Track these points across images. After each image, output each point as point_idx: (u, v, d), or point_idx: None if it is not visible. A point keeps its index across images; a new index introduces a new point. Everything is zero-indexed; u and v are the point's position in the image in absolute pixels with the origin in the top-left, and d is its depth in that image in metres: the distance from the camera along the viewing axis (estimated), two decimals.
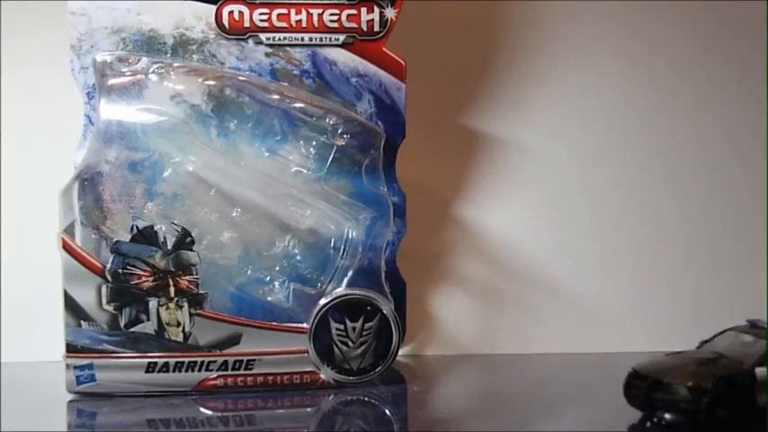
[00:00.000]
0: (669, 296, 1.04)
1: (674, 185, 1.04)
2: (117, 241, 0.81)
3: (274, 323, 0.83)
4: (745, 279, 1.04)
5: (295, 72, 0.85)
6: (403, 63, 0.86)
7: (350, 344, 0.84)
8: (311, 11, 0.84)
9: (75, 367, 0.81)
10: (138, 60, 0.83)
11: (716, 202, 1.04)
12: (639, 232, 1.04)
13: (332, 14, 0.84)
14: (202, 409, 0.79)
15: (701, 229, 1.04)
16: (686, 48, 1.03)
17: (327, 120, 0.85)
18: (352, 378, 0.84)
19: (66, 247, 0.81)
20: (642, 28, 1.03)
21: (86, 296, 0.81)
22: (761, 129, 1.04)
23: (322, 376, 0.83)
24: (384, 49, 0.85)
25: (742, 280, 1.04)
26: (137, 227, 0.82)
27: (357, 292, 0.84)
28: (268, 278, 0.84)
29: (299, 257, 0.84)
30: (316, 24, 0.84)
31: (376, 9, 0.85)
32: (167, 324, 0.82)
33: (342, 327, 0.84)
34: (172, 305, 0.82)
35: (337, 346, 0.84)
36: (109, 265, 0.81)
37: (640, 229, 1.04)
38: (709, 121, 1.04)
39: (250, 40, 0.84)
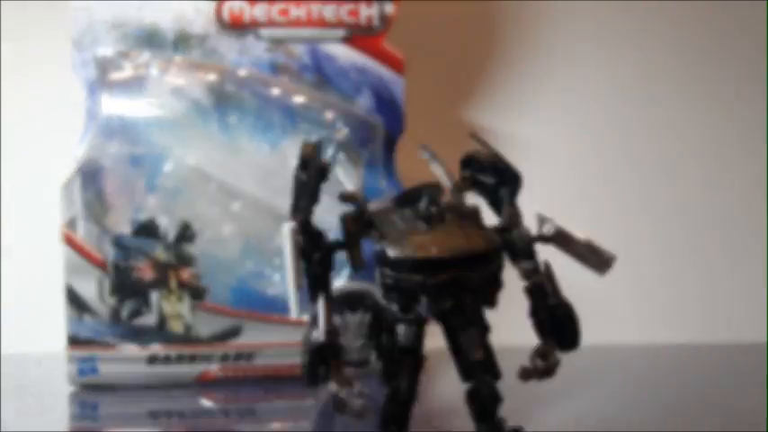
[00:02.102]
0: (667, 289, 1.04)
1: (673, 179, 1.04)
2: (118, 235, 0.82)
3: (274, 315, 0.84)
4: (745, 271, 1.05)
5: (295, 67, 0.86)
6: (402, 58, 0.86)
7: (349, 336, 0.84)
8: (311, 6, 0.85)
9: (78, 359, 0.82)
10: (140, 55, 0.84)
11: (715, 195, 1.05)
12: (638, 224, 1.04)
13: (331, 10, 0.85)
14: (203, 401, 0.80)
15: (700, 222, 1.05)
16: (686, 44, 1.04)
17: (327, 114, 0.86)
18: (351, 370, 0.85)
19: (68, 241, 0.82)
20: (641, 23, 1.03)
21: (88, 289, 0.82)
22: (760, 123, 1.05)
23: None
24: (383, 44, 0.86)
25: (741, 272, 1.05)
26: (138, 220, 0.82)
27: (356, 285, 0.85)
28: (268, 271, 0.85)
29: None
30: (315, 20, 0.85)
31: (375, 4, 0.85)
32: (169, 316, 0.83)
33: (341, 319, 0.84)
34: (173, 298, 0.83)
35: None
36: (110, 259, 0.82)
37: (639, 221, 1.04)
38: (709, 117, 1.04)
39: (250, 36, 0.85)
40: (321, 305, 0.55)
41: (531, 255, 0.61)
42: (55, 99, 0.95)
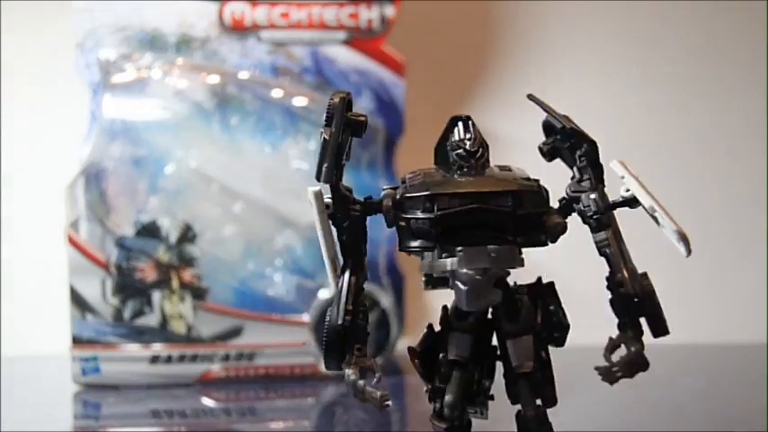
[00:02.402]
0: (665, 290, 1.04)
1: (671, 180, 1.04)
2: (121, 236, 0.83)
3: (275, 315, 0.85)
4: (742, 273, 1.05)
5: (296, 69, 0.86)
6: (401, 60, 0.87)
7: None
8: (312, 9, 0.85)
9: (81, 359, 0.82)
10: (142, 58, 0.84)
11: (713, 197, 1.05)
12: (636, 226, 1.04)
13: (332, 13, 0.85)
14: (205, 400, 0.80)
15: (698, 223, 1.04)
16: (683, 46, 1.04)
17: None
18: None
19: (72, 242, 0.82)
20: (640, 26, 1.03)
21: (91, 289, 0.82)
22: (758, 124, 1.05)
23: (322, 368, 0.84)
24: (383, 46, 0.87)
25: (739, 274, 1.05)
26: (140, 221, 0.83)
27: None
28: (269, 271, 0.85)
29: (299, 251, 0.85)
30: (316, 22, 0.85)
31: (375, 7, 0.86)
32: (171, 316, 0.83)
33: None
34: (175, 298, 0.83)
35: None
36: (113, 259, 0.82)
37: (637, 222, 1.04)
38: (712, 117, 1.04)
39: (252, 38, 0.86)
40: (344, 281, 0.48)
41: (602, 226, 0.54)
42: (58, 101, 0.95)
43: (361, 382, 0.47)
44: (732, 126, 1.05)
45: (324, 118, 0.50)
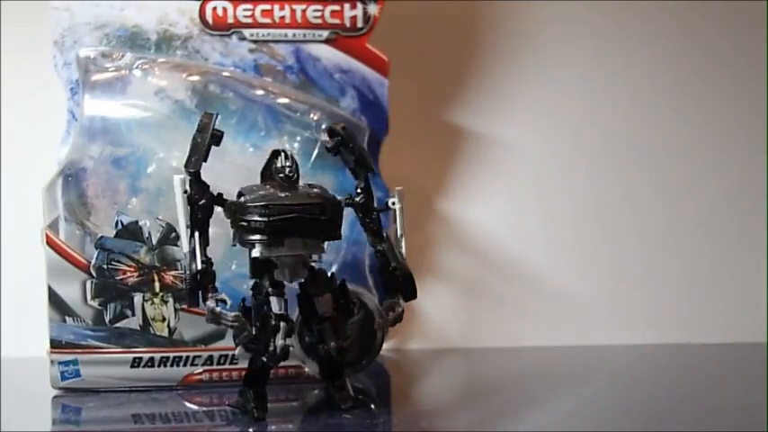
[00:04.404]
0: (650, 290, 1.05)
1: (655, 180, 1.04)
2: (101, 237, 0.81)
3: None
4: (726, 273, 1.05)
5: (279, 68, 0.85)
6: (386, 59, 0.86)
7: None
8: (295, 7, 0.85)
9: (60, 363, 0.81)
10: (122, 56, 0.83)
11: (697, 197, 1.05)
12: (621, 227, 1.04)
13: (315, 11, 0.85)
14: (188, 404, 0.79)
15: (682, 224, 1.05)
16: (670, 44, 1.04)
17: (311, 115, 0.85)
18: None
19: (50, 243, 0.81)
20: (626, 25, 1.04)
21: (71, 292, 0.81)
22: (755, 117, 1.05)
23: (307, 370, 0.84)
24: (367, 45, 0.86)
25: (723, 274, 1.05)
26: (121, 222, 0.82)
27: (351, 287, 0.85)
28: None
29: None
30: (299, 20, 0.85)
31: (359, 5, 0.85)
32: (152, 319, 0.82)
33: None
34: (157, 300, 0.82)
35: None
36: (93, 261, 0.81)
37: (622, 223, 1.04)
38: (705, 114, 1.05)
39: (234, 36, 0.85)
40: (197, 242, 0.70)
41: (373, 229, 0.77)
42: (36, 100, 0.94)
43: (217, 309, 0.69)
44: (731, 123, 1.05)
45: (198, 126, 0.72)
